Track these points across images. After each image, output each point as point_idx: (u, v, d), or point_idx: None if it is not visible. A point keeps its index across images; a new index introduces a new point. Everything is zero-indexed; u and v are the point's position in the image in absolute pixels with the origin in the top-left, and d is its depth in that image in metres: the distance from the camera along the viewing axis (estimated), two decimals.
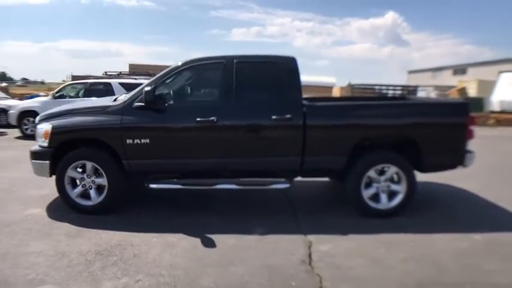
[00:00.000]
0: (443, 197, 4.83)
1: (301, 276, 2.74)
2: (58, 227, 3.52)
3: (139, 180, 4.07)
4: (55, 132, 3.73)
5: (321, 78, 39.16)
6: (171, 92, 3.89)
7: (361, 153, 3.85)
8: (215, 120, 3.66)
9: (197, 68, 3.94)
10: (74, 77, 23.35)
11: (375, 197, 3.90)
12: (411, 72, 45.58)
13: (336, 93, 31.68)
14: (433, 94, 17.99)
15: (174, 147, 3.77)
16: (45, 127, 3.77)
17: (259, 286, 2.60)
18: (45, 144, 3.77)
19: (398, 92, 17.20)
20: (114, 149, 3.72)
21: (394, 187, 3.88)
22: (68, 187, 3.81)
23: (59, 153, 3.78)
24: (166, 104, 3.75)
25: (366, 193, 3.86)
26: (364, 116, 3.83)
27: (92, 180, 3.82)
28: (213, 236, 3.39)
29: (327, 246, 3.24)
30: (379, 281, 2.70)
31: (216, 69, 3.83)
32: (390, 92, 20.04)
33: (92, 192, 3.84)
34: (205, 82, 4.03)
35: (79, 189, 3.83)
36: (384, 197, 3.89)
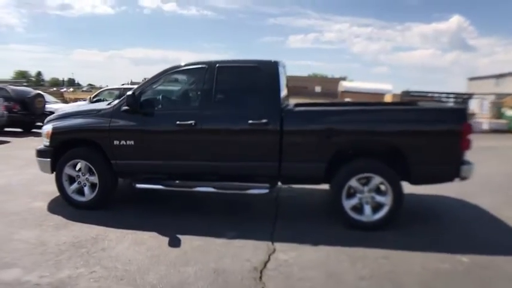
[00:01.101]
0: (442, 212, 4.48)
1: (246, 282, 2.74)
2: (50, 219, 3.91)
3: (131, 180, 4.35)
4: (54, 133, 4.17)
5: (377, 85, 37.93)
6: (156, 96, 4.11)
7: (345, 161, 3.71)
8: (193, 124, 3.81)
9: (182, 73, 4.14)
10: (133, 83, 25.51)
11: (359, 208, 3.72)
12: (472, 79, 41.88)
13: (387, 99, 30.26)
14: (486, 102, 16.34)
15: (156, 149, 3.98)
16: (47, 128, 4.24)
17: None
18: (47, 143, 4.22)
19: (452, 100, 15.92)
20: (103, 150, 4.04)
21: (378, 199, 3.67)
22: (65, 184, 4.21)
23: (60, 152, 4.21)
24: (149, 108, 3.99)
25: (348, 203, 3.71)
26: (344, 122, 3.70)
27: (86, 178, 4.18)
28: (183, 237, 3.52)
29: (290, 255, 3.19)
30: None
31: (199, 74, 3.99)
32: (444, 99, 18.67)
33: (86, 189, 4.19)
34: (188, 86, 4.20)
35: (75, 185, 4.21)
36: (367, 209, 3.70)
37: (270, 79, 3.80)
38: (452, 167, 3.58)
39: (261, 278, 2.80)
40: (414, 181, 3.76)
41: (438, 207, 4.67)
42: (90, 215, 4.05)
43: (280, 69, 3.96)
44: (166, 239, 3.48)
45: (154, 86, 4.10)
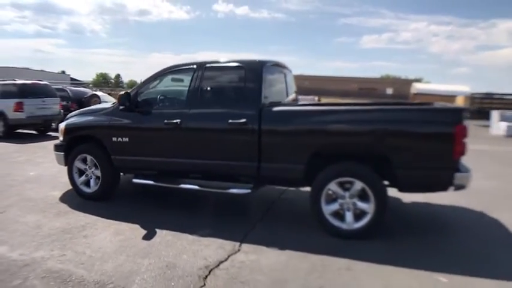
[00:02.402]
0: (443, 224, 4.05)
1: (188, 279, 2.79)
2: (56, 207, 4.40)
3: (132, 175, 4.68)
4: (66, 130, 4.70)
5: (452, 87, 34.94)
6: (150, 96, 4.37)
7: (329, 163, 3.54)
8: (179, 122, 3.97)
9: (175, 73, 4.34)
10: None
11: (341, 215, 3.51)
12: None
13: (458, 102, 27.55)
14: None
15: (147, 146, 4.24)
16: (61, 125, 4.78)
17: (142, 280, 2.77)
18: (62, 139, 4.76)
19: None
20: (104, 146, 4.42)
21: (360, 205, 3.42)
22: (75, 176, 4.70)
23: (72, 147, 4.71)
24: (143, 107, 4.25)
25: (327, 209, 3.53)
26: (321, 123, 3.51)
27: (92, 171, 4.61)
28: (160, 231, 3.69)
29: (250, 257, 3.15)
30: None
31: (188, 74, 4.14)
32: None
33: (92, 182, 4.63)
34: (179, 86, 4.35)
35: (83, 178, 4.68)
36: (349, 216, 3.48)
37: (252, 79, 3.79)
38: (444, 174, 3.18)
39: (206, 277, 2.82)
40: (402, 188, 3.42)
41: (442, 219, 4.19)
42: (93, 205, 4.46)
43: (266, 70, 3.91)
44: (143, 232, 3.68)
45: (149, 86, 4.38)
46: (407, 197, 4.82)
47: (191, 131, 3.99)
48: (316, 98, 36.45)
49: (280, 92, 4.40)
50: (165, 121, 4.05)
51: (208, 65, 4.07)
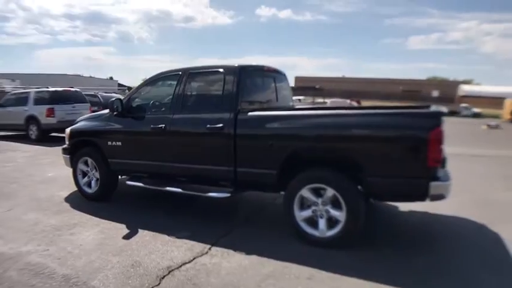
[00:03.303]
0: (432, 237, 3.82)
1: (145, 278, 2.90)
2: (58, 206, 4.75)
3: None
4: (71, 134, 5.07)
5: (502, 89, 32.67)
6: (140, 102, 4.59)
7: (302, 169, 3.50)
8: (163, 127, 4.14)
9: (162, 79, 4.52)
10: None
11: (315, 222, 3.45)
12: None
13: (507, 105, 25.52)
14: None
15: (137, 150, 4.47)
16: (67, 130, 5.16)
17: (104, 277, 2.93)
18: (67, 142, 5.14)
19: None
20: (101, 149, 4.71)
21: (333, 213, 3.34)
22: (79, 177, 5.05)
23: (77, 150, 5.07)
24: (134, 112, 4.49)
25: (300, 215, 3.49)
26: (292, 128, 3.49)
27: (93, 173, 4.93)
28: (141, 231, 3.86)
29: (213, 260, 3.21)
30: None
31: (174, 80, 4.31)
32: None
33: (93, 183, 4.95)
34: (165, 92, 4.52)
35: (86, 179, 5.01)
36: (322, 223, 3.41)
37: (230, 84, 3.86)
38: (418, 182, 3.01)
39: (164, 277, 2.92)
40: (375, 196, 3.29)
41: (434, 231, 3.96)
42: (92, 205, 4.77)
43: (246, 74, 3.96)
44: (125, 232, 3.88)
45: (141, 92, 4.61)
46: (406, 206, 4.61)
47: (174, 136, 4.14)
48: (351, 102, 35.52)
49: (266, 97, 4.42)
50: (152, 126, 4.24)
51: (191, 71, 4.21)
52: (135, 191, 5.31)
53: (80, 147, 5.01)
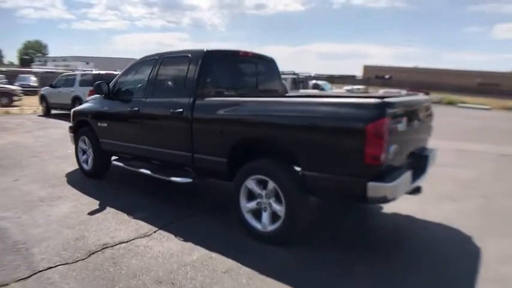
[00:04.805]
0: (406, 246, 3.42)
1: (78, 251, 3.09)
2: (58, 179, 5.23)
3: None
4: (74, 114, 5.52)
5: None
6: (124, 85, 4.78)
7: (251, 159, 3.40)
8: (137, 110, 4.30)
9: (143, 64, 4.65)
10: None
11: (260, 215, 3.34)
12: None
13: None
14: None
15: (120, 131, 4.71)
16: (72, 110, 5.61)
17: (47, 246, 3.19)
18: (72, 122, 5.60)
19: None
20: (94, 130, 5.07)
21: (275, 207, 3.19)
22: (79, 154, 5.50)
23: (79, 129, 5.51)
24: (118, 95, 4.71)
25: (245, 206, 3.40)
26: (238, 115, 3.36)
27: (90, 151, 5.33)
28: (109, 209, 4.10)
29: (150, 243, 3.30)
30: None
31: (152, 64, 4.42)
32: None
33: (89, 160, 5.35)
34: (144, 76, 4.61)
35: (84, 157, 5.44)
36: (265, 217, 3.29)
37: (192, 69, 3.84)
38: (354, 181, 2.71)
39: (94, 253, 3.07)
40: (314, 193, 3.04)
41: (408, 239, 3.55)
42: (86, 181, 5.19)
43: (211, 59, 3.92)
44: (94, 207, 4.15)
45: (126, 76, 4.81)
46: (391, 207, 4.22)
47: (145, 119, 4.29)
48: (419, 93, 32.80)
49: (241, 83, 4.33)
50: (129, 109, 4.43)
51: (165, 56, 4.28)
52: (131, 171, 5.64)
53: (81, 127, 5.44)
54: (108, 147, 4.96)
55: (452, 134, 11.95)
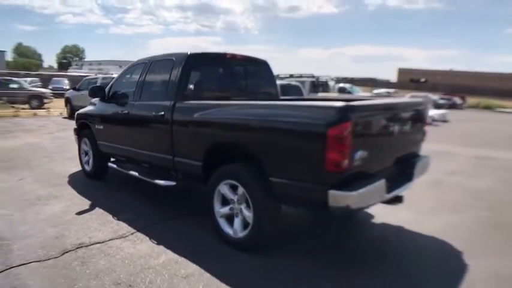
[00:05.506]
0: (378, 260, 3.27)
1: (53, 249, 3.21)
2: (60, 179, 5.47)
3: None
4: (77, 116, 5.74)
5: None
6: (118, 88, 4.91)
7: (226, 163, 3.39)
8: (127, 113, 4.42)
9: (136, 67, 4.75)
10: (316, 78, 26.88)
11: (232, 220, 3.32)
12: None
13: None
14: None
15: (113, 134, 4.84)
16: (76, 113, 5.85)
17: (27, 243, 3.33)
18: (76, 123, 5.83)
19: None
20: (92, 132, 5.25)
21: (245, 213, 3.16)
22: (82, 156, 5.73)
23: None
24: (113, 99, 4.86)
25: (219, 211, 3.39)
26: (211, 118, 3.35)
27: (90, 153, 5.52)
28: (97, 209, 4.23)
29: (123, 244, 3.36)
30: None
31: (142, 67, 4.52)
32: None
33: (90, 161, 5.55)
34: (135, 79, 4.69)
35: (86, 158, 5.65)
36: (237, 222, 3.27)
37: (175, 72, 3.89)
38: (315, 189, 2.61)
39: (68, 252, 3.17)
40: (279, 200, 2.96)
41: (390, 253, 3.38)
42: (87, 182, 5.40)
43: (194, 63, 3.95)
44: (84, 208, 4.29)
45: (122, 79, 4.96)
46: (385, 216, 4.06)
47: (134, 121, 4.39)
48: (454, 97, 31.35)
49: (227, 86, 4.34)
50: (120, 111, 4.55)
51: (154, 60, 4.37)
52: (124, 173, 5.77)
53: (83, 129, 5.66)
54: (105, 149, 5.12)
55: (478, 140, 11.33)
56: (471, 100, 34.67)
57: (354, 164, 2.62)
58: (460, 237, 3.64)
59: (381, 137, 2.98)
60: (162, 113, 3.86)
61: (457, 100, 31.91)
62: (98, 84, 5.13)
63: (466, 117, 22.92)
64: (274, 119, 2.86)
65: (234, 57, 4.37)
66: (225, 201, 3.38)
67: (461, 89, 44.66)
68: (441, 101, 28.75)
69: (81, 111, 5.80)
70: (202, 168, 3.50)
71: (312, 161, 2.62)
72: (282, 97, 5.12)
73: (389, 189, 2.98)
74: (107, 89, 4.98)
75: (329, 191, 2.55)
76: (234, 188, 3.26)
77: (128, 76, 4.91)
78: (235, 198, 3.25)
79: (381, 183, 2.82)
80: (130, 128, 4.48)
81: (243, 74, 4.50)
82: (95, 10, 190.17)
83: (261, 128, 2.94)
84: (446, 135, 12.05)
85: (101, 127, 5.04)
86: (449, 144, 10.03)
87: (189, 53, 3.95)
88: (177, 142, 3.75)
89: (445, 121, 17.58)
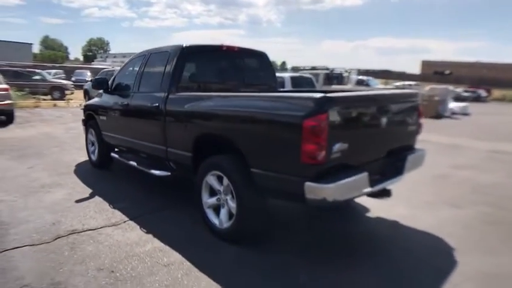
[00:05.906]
0: (365, 254, 3.24)
1: (47, 235, 3.34)
2: (66, 168, 5.65)
3: None
4: (84, 108, 5.90)
5: None
6: (121, 80, 4.99)
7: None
8: (127, 104, 4.50)
9: (136, 59, 4.81)
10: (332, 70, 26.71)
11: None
12: None
13: None
14: None
15: (115, 125, 4.94)
16: (83, 104, 6.00)
17: (25, 228, 3.48)
18: (83, 115, 6.00)
19: None
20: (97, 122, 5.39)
21: (230, 204, 3.18)
22: (88, 146, 5.89)
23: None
24: (115, 90, 4.96)
25: (206, 202, 3.43)
26: (198, 110, 3.38)
27: (96, 143, 5.68)
28: (96, 198, 4.37)
29: (114, 232, 3.46)
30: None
31: (141, 60, 4.58)
32: None
33: (96, 151, 5.71)
34: (135, 71, 4.75)
35: (92, 148, 5.81)
36: (223, 213, 3.30)
37: (169, 64, 3.92)
38: (291, 181, 2.59)
39: (60, 237, 3.30)
40: (262, 191, 2.95)
41: (379, 247, 3.32)
42: (92, 171, 5.56)
43: (188, 55, 3.98)
44: (85, 196, 4.43)
45: (124, 71, 5.05)
46: (381, 210, 4.00)
47: (132, 112, 4.46)
48: (479, 90, 30.17)
49: (223, 77, 4.34)
50: (120, 102, 4.64)
51: (152, 52, 4.41)
52: (125, 163, 5.88)
53: (89, 120, 5.81)
54: (108, 139, 5.24)
55: (496, 134, 10.88)
56: (497, 93, 33.27)
57: (332, 156, 2.58)
58: (454, 233, 3.53)
59: (365, 128, 2.91)
60: (157, 104, 3.91)
61: (482, 93, 30.72)
62: (98, 77, 5.19)
63: (489, 110, 22.04)
64: (254, 110, 2.85)
65: (230, 49, 4.36)
66: (212, 192, 3.41)
67: (487, 81, 42.90)
68: (465, 94, 27.76)
69: (88, 102, 5.95)
70: (192, 159, 3.54)
71: (289, 153, 2.60)
72: (280, 89, 5.08)
73: (375, 182, 2.93)
74: (110, 81, 5.08)
75: (305, 183, 2.52)
76: (220, 179, 3.29)
77: (130, 68, 4.99)
78: (221, 189, 3.27)
79: (363, 176, 2.76)
80: (129, 119, 4.57)
81: (240, 66, 4.48)
82: (120, 4, 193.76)
83: (242, 119, 2.95)
84: (463, 129, 11.64)
85: (104, 118, 5.16)
86: (465, 138, 9.69)
87: (183, 46, 3.97)
88: (169, 133, 3.80)
89: (465, 114, 16.97)
